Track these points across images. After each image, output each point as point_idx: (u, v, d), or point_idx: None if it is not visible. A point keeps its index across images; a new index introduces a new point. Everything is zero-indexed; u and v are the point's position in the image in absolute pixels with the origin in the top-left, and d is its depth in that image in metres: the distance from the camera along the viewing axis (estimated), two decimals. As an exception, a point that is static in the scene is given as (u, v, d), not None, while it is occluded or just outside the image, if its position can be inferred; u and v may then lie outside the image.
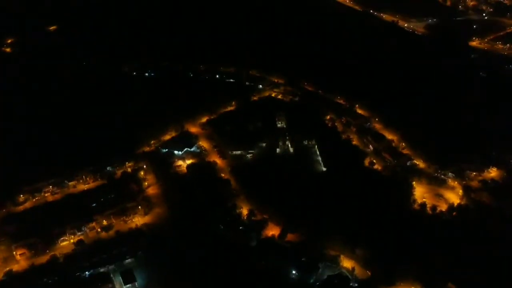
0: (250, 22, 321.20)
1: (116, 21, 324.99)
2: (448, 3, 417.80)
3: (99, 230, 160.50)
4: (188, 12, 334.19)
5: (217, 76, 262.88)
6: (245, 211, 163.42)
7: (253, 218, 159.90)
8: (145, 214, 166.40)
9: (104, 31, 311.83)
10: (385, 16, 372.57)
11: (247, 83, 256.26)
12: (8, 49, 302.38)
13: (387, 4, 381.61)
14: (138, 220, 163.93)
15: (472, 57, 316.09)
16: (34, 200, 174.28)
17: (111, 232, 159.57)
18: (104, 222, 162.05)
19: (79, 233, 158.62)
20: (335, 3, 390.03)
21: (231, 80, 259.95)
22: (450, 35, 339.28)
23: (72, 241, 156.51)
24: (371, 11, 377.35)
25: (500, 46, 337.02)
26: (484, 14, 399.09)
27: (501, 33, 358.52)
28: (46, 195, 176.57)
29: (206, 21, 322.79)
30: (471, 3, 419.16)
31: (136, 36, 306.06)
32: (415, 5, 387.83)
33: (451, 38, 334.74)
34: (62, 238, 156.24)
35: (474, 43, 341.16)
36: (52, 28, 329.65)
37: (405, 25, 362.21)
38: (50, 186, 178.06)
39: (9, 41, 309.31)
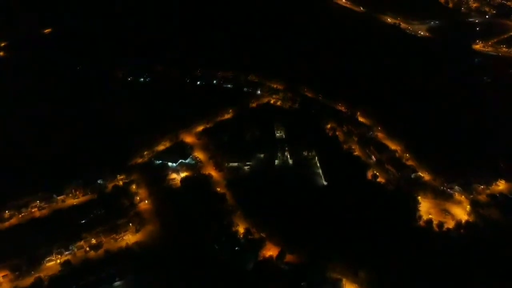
0: (249, 25, 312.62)
1: (111, 24, 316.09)
2: (451, 5, 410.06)
3: (87, 249, 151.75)
4: (185, 15, 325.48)
5: (215, 81, 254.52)
6: (241, 229, 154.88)
7: (250, 237, 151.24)
8: (136, 231, 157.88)
9: (99, 34, 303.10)
10: (387, 18, 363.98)
11: (245, 88, 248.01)
12: (1, 53, 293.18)
13: (388, 6, 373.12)
14: (129, 238, 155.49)
15: (476, 61, 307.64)
16: (20, 216, 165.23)
17: (100, 252, 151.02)
18: (93, 241, 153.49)
19: (67, 253, 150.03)
20: (336, 5, 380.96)
21: (229, 85, 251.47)
22: (453, 38, 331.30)
23: (58, 261, 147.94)
24: (373, 13, 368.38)
25: (505, 49, 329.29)
26: (487, 16, 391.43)
27: (505, 36, 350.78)
28: (33, 210, 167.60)
29: (204, 24, 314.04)
30: (474, 5, 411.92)
31: (131, 39, 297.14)
32: (417, 7, 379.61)
33: (454, 41, 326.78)
34: (48, 258, 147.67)
35: (478, 46, 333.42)
36: (46, 31, 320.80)
37: (407, 27, 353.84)
38: (38, 201, 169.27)
39: (2, 44, 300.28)
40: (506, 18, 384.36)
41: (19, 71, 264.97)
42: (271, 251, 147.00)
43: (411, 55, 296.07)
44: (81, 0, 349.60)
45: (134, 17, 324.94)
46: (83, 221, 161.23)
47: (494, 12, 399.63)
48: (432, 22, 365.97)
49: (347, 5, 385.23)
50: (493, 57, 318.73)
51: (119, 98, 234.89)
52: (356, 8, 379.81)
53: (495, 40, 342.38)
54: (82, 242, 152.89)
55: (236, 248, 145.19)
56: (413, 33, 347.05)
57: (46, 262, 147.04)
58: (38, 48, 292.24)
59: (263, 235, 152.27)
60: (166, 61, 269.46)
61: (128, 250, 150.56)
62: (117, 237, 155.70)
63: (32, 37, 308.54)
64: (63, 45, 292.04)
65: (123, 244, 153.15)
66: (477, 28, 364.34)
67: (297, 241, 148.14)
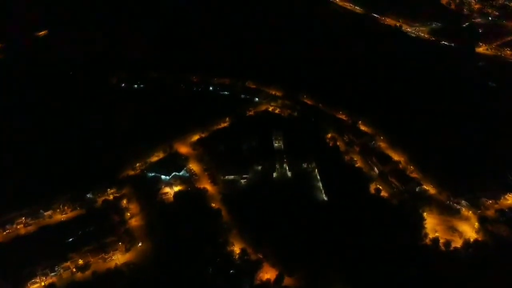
0: (246, 29, 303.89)
1: (106, 27, 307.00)
2: (453, 7, 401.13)
3: (74, 270, 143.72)
4: (180, 19, 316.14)
5: (211, 88, 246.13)
6: (237, 249, 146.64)
7: (246, 257, 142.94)
8: (127, 250, 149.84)
9: (94, 37, 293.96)
10: (388, 20, 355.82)
11: (242, 95, 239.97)
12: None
13: (389, 8, 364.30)
14: (118, 258, 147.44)
15: (480, 65, 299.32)
16: (4, 233, 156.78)
17: (88, 273, 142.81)
18: (80, 261, 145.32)
19: (52, 274, 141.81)
20: (336, 7, 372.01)
21: (226, 92, 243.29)
22: (455, 41, 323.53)
23: (43, 283, 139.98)
24: (373, 14, 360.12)
25: (508, 52, 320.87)
26: (490, 18, 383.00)
27: (509, 38, 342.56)
28: (18, 227, 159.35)
29: (200, 28, 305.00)
30: (476, 6, 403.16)
31: (126, 44, 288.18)
32: (418, 9, 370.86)
33: (457, 44, 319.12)
34: (32, 281, 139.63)
35: (481, 49, 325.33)
36: (41, 33, 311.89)
37: (409, 29, 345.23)
38: (23, 217, 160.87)
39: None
40: (510, 20, 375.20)
41: (11, 75, 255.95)
42: (268, 274, 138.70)
43: (412, 59, 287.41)
44: (77, 3, 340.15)
45: (129, 21, 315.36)
46: (71, 239, 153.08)
47: (497, 13, 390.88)
48: (433, 24, 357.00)
49: (348, 7, 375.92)
50: (497, 60, 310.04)
51: (112, 105, 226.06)
52: (357, 10, 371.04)
53: (498, 43, 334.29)
54: (68, 263, 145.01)
55: (231, 271, 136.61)
56: (413, 34, 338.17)
57: (30, 285, 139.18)
58: (32, 52, 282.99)
59: (260, 255, 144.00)
60: (160, 67, 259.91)
61: (117, 271, 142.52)
62: (106, 256, 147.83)
63: (27, 40, 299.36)
64: (57, 49, 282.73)
65: (112, 264, 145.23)
66: (480, 30, 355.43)
67: (296, 262, 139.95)
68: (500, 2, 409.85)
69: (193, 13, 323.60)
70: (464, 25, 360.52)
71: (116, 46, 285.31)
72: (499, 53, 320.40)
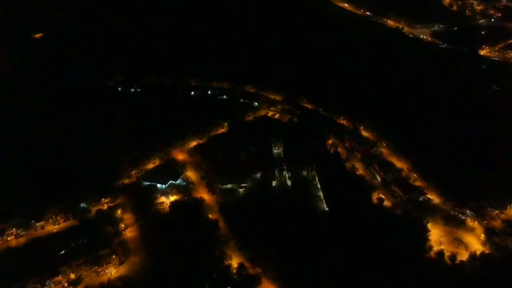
0: (246, 32, 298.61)
1: (103, 30, 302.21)
2: (455, 8, 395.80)
3: (65, 284, 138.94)
4: (179, 21, 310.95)
5: (209, 92, 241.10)
6: (234, 263, 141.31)
7: (243, 272, 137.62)
8: (120, 263, 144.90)
9: (91, 41, 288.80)
10: (390, 22, 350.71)
11: (241, 100, 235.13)
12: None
13: (391, 10, 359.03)
14: (112, 272, 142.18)
15: (483, 68, 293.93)
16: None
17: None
18: (72, 275, 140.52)
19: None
20: (336, 8, 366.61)
21: (224, 96, 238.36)
22: (458, 43, 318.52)
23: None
24: (375, 17, 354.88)
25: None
26: (492, 20, 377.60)
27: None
28: (9, 238, 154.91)
29: (198, 31, 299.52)
30: (479, 8, 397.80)
31: (123, 46, 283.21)
32: (420, 10, 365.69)
33: (459, 46, 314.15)
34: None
35: (484, 51, 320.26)
36: (37, 35, 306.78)
37: (411, 31, 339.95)
38: (14, 228, 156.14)
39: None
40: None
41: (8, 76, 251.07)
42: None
43: (414, 62, 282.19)
44: (73, 6, 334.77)
45: (127, 24, 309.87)
46: (63, 252, 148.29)
47: (500, 15, 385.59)
48: (436, 26, 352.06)
49: (349, 9, 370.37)
50: (500, 63, 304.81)
51: (107, 110, 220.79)
52: (358, 12, 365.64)
53: (501, 45, 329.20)
54: (60, 277, 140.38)
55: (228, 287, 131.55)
56: (414, 36, 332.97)
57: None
58: (28, 53, 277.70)
59: (258, 270, 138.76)
60: (158, 70, 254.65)
61: (110, 285, 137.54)
62: (99, 270, 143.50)
63: (23, 42, 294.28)
64: (53, 51, 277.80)
65: (105, 278, 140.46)
66: (483, 32, 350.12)
67: (296, 277, 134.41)
68: (503, 3, 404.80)
69: (192, 16, 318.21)
70: (466, 27, 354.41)
71: (114, 48, 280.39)
72: (502, 56, 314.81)
